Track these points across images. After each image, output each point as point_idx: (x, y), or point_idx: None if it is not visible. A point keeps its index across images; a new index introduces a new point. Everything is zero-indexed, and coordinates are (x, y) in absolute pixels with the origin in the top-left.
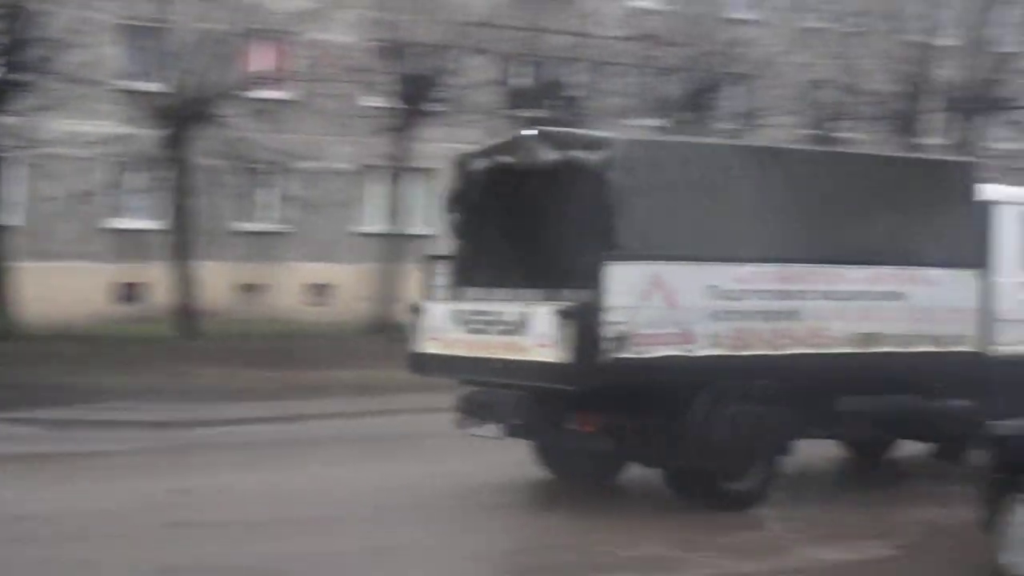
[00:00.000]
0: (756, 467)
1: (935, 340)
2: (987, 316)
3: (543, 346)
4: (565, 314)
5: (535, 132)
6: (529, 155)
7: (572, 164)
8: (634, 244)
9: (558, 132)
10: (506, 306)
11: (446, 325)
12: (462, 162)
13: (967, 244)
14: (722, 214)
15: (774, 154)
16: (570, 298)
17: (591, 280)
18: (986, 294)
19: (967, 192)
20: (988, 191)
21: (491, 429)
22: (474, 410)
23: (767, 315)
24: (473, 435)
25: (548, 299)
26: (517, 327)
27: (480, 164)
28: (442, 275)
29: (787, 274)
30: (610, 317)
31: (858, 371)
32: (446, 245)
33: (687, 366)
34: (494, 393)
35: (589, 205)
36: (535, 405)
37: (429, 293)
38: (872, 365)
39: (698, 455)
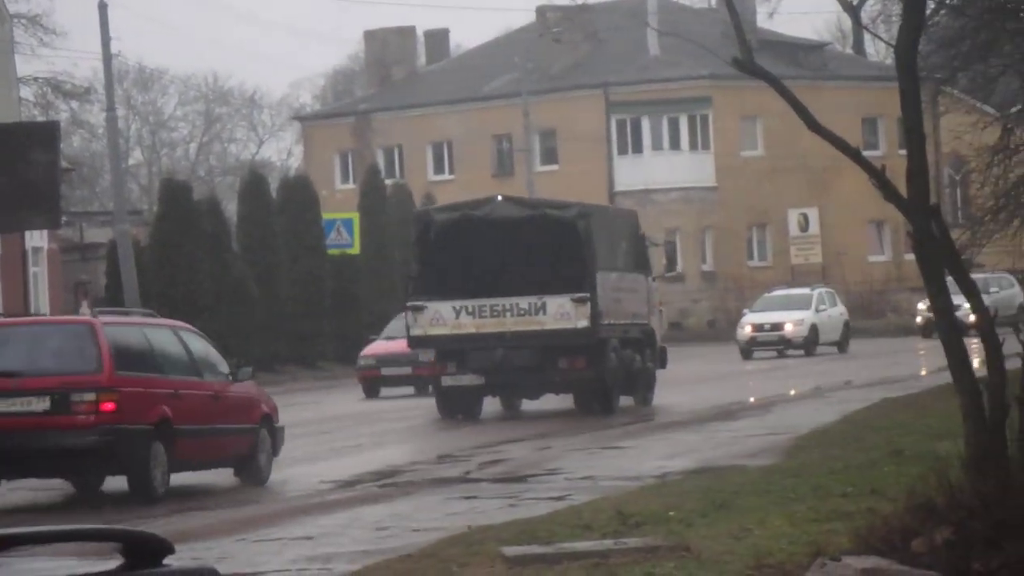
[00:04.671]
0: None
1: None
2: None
3: (561, 319)
4: (579, 300)
5: (500, 196)
6: (498, 211)
7: (545, 218)
8: (601, 262)
9: (523, 198)
10: (518, 300)
11: (450, 315)
12: (423, 215)
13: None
14: (623, 248)
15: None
16: (573, 293)
17: (583, 282)
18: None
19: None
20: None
21: (471, 378)
22: (459, 367)
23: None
24: (451, 384)
25: (546, 296)
26: (534, 311)
27: (446, 216)
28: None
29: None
30: (599, 302)
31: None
32: (415, 270)
33: (612, 328)
34: (479, 355)
35: (565, 242)
36: (517, 358)
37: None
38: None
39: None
